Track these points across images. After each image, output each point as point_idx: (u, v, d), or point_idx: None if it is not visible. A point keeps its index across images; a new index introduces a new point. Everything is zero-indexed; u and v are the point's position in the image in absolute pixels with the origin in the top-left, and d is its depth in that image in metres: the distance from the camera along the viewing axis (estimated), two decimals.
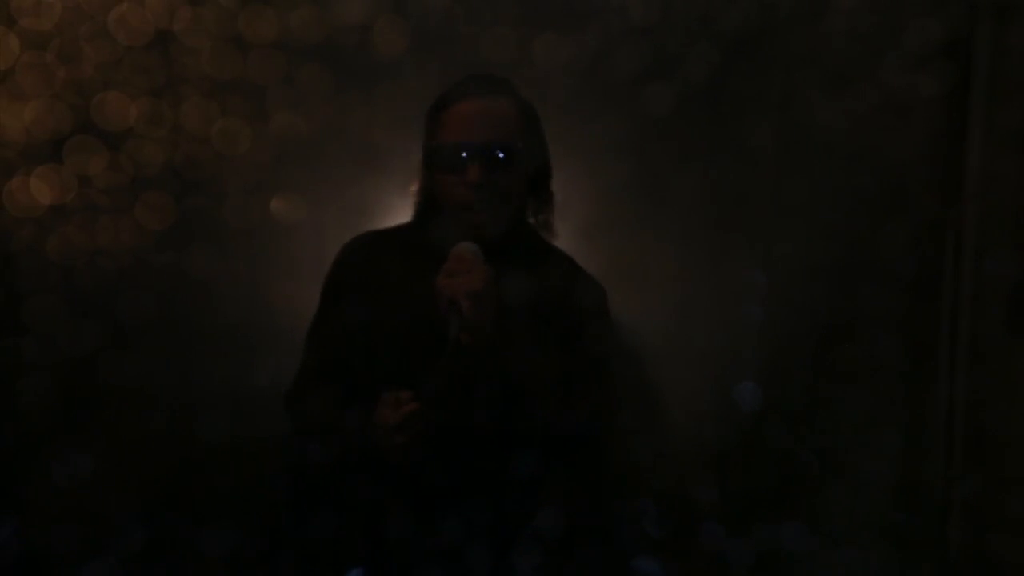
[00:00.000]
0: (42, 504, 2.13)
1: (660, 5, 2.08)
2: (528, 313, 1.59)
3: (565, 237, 2.04)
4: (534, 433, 1.58)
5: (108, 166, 2.10)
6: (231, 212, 2.14)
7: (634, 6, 2.08)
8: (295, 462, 1.86)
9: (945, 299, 2.08)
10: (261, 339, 2.09)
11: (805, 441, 2.09)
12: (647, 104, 2.09)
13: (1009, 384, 1.99)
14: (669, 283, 2.14)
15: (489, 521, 1.58)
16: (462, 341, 1.49)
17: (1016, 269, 2.00)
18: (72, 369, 2.11)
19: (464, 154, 1.59)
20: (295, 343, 1.75)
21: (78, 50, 2.09)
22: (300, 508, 1.72)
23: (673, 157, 2.13)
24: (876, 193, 2.11)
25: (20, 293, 2.11)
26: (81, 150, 2.09)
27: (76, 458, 2.10)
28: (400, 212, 1.79)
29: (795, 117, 2.11)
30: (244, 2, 2.08)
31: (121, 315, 2.10)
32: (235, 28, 2.08)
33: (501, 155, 1.60)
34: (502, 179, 1.61)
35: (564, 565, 1.70)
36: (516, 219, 1.67)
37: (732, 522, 2.09)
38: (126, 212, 2.11)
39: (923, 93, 2.08)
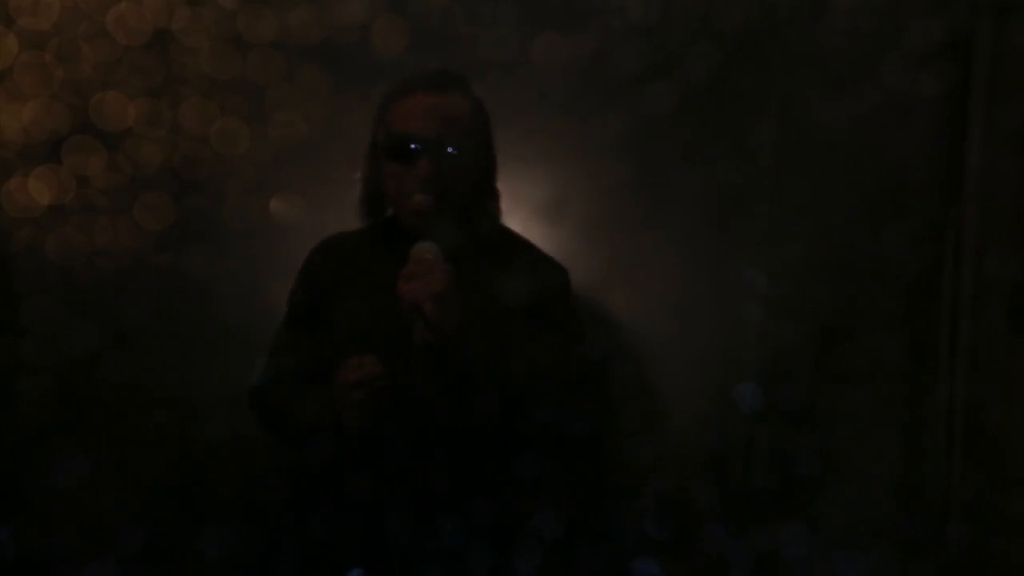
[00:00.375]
0: (42, 504, 2.13)
1: (660, 5, 2.08)
2: (493, 305, 1.59)
3: (565, 237, 2.05)
4: (513, 427, 1.58)
5: (107, 166, 2.10)
6: (230, 212, 2.13)
7: (634, 6, 2.08)
8: (292, 461, 1.86)
9: (945, 299, 2.08)
10: (261, 339, 2.08)
11: (805, 442, 2.09)
12: (647, 104, 2.09)
13: (1009, 384, 1.99)
14: (669, 283, 2.13)
15: (484, 521, 1.58)
16: (427, 343, 1.49)
17: (1016, 269, 2.00)
18: (72, 369, 2.11)
19: (415, 147, 1.60)
20: None
21: (76, 50, 2.08)
22: (299, 508, 1.72)
23: (673, 157, 2.12)
24: (876, 193, 2.11)
25: (19, 293, 2.11)
26: (80, 150, 2.09)
27: (76, 458, 2.10)
28: None
29: (795, 117, 2.10)
30: (243, 2, 2.07)
31: (120, 315, 2.10)
32: (234, 28, 2.08)
33: (452, 151, 1.61)
34: (450, 175, 1.61)
35: (564, 566, 1.70)
36: (462, 212, 1.67)
37: (732, 523, 2.09)
38: (125, 212, 2.11)
39: (923, 93, 2.08)
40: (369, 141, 1.71)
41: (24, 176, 2.09)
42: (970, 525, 2.02)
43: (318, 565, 1.65)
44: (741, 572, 2.03)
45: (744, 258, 2.13)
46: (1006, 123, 2.04)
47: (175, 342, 2.15)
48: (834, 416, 2.09)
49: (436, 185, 1.61)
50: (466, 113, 1.65)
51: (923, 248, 2.10)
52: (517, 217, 2.03)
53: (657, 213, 2.14)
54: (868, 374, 2.09)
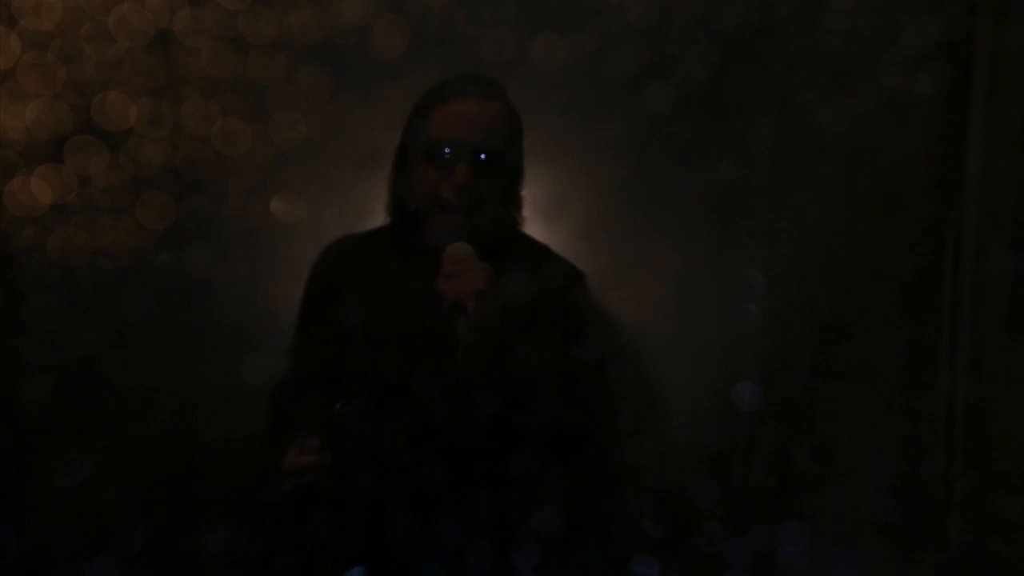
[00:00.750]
0: (42, 504, 2.14)
1: (660, 5, 2.08)
2: (519, 306, 1.59)
3: (565, 237, 2.05)
4: (537, 428, 1.58)
5: (108, 166, 2.10)
6: (232, 212, 2.14)
7: (634, 6, 2.08)
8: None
9: (945, 299, 2.08)
10: (261, 339, 2.08)
11: (805, 440, 2.09)
12: (646, 104, 2.09)
13: (1008, 383, 1.99)
14: (669, 283, 2.13)
15: (487, 520, 1.58)
16: (471, 342, 1.49)
17: (1016, 269, 2.00)
18: (72, 369, 2.11)
19: (453, 152, 1.60)
20: None
21: (79, 50, 2.09)
22: (300, 508, 1.72)
23: (672, 157, 2.13)
24: (876, 193, 2.11)
25: (20, 293, 2.11)
26: (82, 150, 2.09)
27: (76, 458, 2.10)
28: None
29: (794, 117, 2.11)
30: (244, 2, 2.08)
31: (121, 315, 2.10)
32: (235, 28, 2.09)
33: (488, 159, 1.61)
34: (485, 183, 1.62)
35: (563, 564, 1.70)
36: (492, 219, 1.67)
37: (732, 521, 2.09)
38: (126, 212, 2.11)
39: (923, 93, 2.08)
40: (398, 144, 1.71)
41: (26, 175, 2.10)
42: (969, 523, 2.01)
43: (319, 564, 1.65)
44: (740, 571, 2.03)
45: (744, 258, 2.13)
46: (1006, 123, 2.04)
47: (176, 342, 2.15)
48: (834, 415, 2.09)
49: (471, 192, 1.61)
50: (505, 121, 1.65)
51: (923, 248, 2.10)
52: None
53: (657, 213, 2.14)
54: (867, 373, 2.09)
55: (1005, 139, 2.03)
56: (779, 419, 2.08)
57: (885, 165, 2.10)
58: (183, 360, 2.15)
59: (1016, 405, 1.96)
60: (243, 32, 2.09)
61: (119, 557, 2.07)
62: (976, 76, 2.07)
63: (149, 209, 2.12)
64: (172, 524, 2.12)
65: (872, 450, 2.09)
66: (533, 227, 1.98)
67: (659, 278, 2.14)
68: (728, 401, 2.09)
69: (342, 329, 1.66)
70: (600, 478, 2.09)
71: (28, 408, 2.12)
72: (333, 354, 1.67)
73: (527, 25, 2.10)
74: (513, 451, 1.59)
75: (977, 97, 2.07)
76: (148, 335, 2.13)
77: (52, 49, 2.09)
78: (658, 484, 2.10)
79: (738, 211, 2.13)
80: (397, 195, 1.72)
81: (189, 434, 2.13)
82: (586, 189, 2.11)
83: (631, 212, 2.14)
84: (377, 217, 1.86)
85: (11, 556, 2.09)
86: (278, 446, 1.65)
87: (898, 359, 2.10)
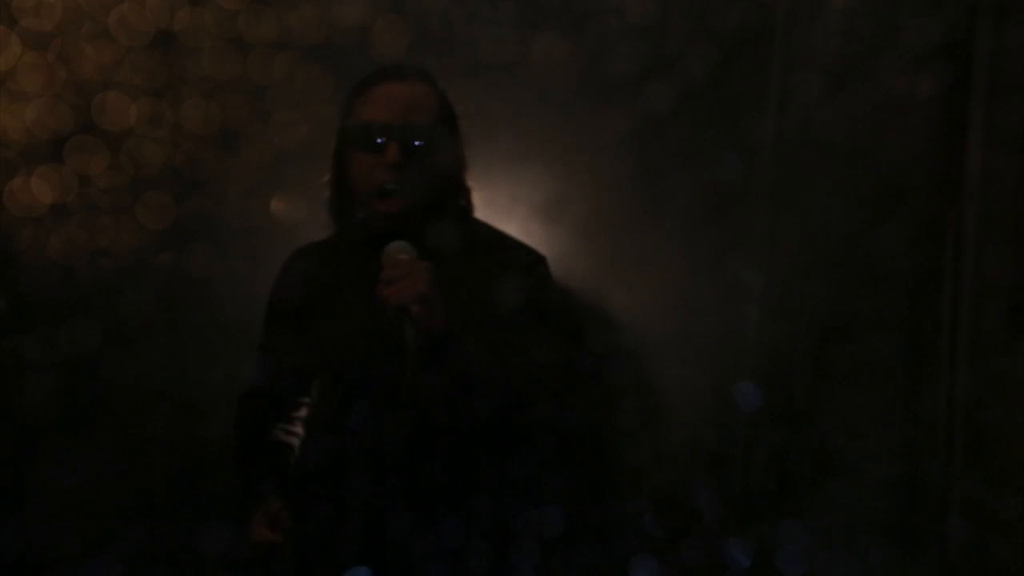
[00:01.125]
0: (42, 503, 2.14)
1: (659, 5, 2.09)
2: (476, 298, 1.58)
3: (565, 237, 2.05)
4: (508, 423, 1.57)
5: (109, 166, 2.11)
6: (232, 212, 2.14)
7: (633, 6, 2.09)
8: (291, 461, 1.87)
9: (945, 299, 2.08)
10: None
11: (805, 441, 2.08)
12: (646, 104, 2.09)
13: (1009, 384, 1.99)
14: (668, 282, 2.13)
15: (481, 521, 1.58)
16: (419, 345, 1.48)
17: (1016, 269, 2.00)
18: (72, 369, 2.11)
19: (383, 136, 1.58)
20: None
21: (79, 50, 2.09)
22: (298, 507, 1.72)
23: (672, 157, 2.13)
24: (876, 193, 2.11)
25: (20, 293, 2.12)
26: (82, 150, 2.10)
27: (76, 458, 2.10)
28: None
29: (794, 117, 2.11)
30: (245, 2, 2.08)
31: (121, 315, 2.10)
32: (235, 28, 2.09)
33: (419, 138, 1.59)
34: (419, 163, 1.59)
35: (562, 565, 1.70)
36: (433, 204, 1.65)
37: (732, 522, 2.09)
38: (127, 212, 2.11)
39: (923, 93, 2.08)
40: (335, 144, 1.71)
41: (27, 175, 2.10)
42: (968, 523, 2.01)
43: (318, 565, 1.65)
44: (740, 571, 2.03)
45: (744, 258, 2.13)
46: (1006, 123, 2.04)
47: (176, 342, 2.15)
48: (833, 415, 2.09)
49: (405, 173, 1.58)
50: (432, 102, 1.64)
51: (923, 248, 2.10)
52: (517, 217, 2.04)
53: (657, 212, 2.14)
54: (867, 373, 2.09)
55: (1005, 139, 2.03)
56: (779, 419, 2.08)
57: (885, 165, 2.10)
58: (183, 360, 2.15)
59: (1016, 405, 1.96)
60: (243, 32, 2.09)
61: (119, 557, 2.07)
62: (976, 76, 2.07)
63: (149, 209, 2.12)
64: (172, 524, 2.11)
65: (872, 450, 2.08)
66: (533, 227, 1.99)
67: (659, 278, 2.13)
68: (728, 401, 2.09)
69: (300, 340, 1.67)
70: (598, 478, 2.10)
71: (28, 408, 2.12)
72: (294, 365, 1.68)
73: (527, 25, 2.10)
74: (485, 450, 1.59)
75: (977, 97, 2.07)
76: (148, 335, 2.13)
77: (52, 49, 2.09)
78: (658, 484, 2.10)
79: (738, 211, 2.13)
80: (338, 196, 1.70)
81: (189, 434, 2.13)
82: (586, 189, 2.11)
83: (631, 212, 2.13)
84: None
85: (11, 556, 2.09)
86: (246, 478, 1.75)
87: (898, 359, 2.10)
